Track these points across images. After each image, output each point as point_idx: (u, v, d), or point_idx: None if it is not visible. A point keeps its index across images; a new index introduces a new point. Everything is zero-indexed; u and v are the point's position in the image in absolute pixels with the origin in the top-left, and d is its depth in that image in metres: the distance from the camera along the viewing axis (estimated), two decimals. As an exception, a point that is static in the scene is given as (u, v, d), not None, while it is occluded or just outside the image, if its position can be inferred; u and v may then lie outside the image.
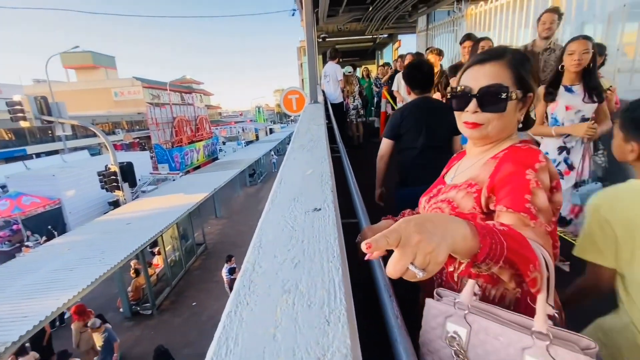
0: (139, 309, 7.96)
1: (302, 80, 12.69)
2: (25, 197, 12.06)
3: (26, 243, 10.92)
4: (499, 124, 0.81)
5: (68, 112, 10.42)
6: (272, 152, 23.16)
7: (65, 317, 7.51)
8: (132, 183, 10.10)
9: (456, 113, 0.89)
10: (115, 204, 10.99)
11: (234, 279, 6.77)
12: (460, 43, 3.18)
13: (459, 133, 2.03)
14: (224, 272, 7.58)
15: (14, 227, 12.19)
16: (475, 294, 0.67)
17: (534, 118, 0.93)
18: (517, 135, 0.88)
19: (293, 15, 8.25)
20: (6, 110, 9.51)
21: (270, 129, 49.66)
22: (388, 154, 2.14)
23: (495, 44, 5.01)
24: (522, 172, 0.72)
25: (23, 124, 9.35)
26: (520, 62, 0.81)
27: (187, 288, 9.06)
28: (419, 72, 2.10)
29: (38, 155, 25.23)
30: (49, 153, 25.65)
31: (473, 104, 0.81)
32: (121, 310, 7.79)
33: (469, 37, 3.15)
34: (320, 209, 0.86)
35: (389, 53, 12.17)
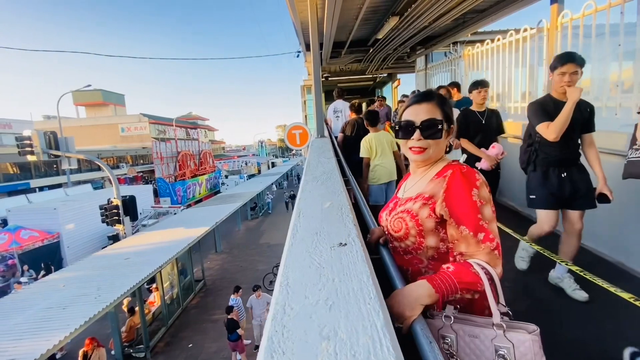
0: (131, 351, 7.49)
1: (305, 116, 13.08)
2: (24, 231, 11.90)
3: (20, 279, 10.57)
4: (437, 148, 1.06)
5: (75, 147, 10.62)
6: (268, 193, 22.98)
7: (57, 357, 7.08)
8: (134, 217, 10.01)
9: (401, 141, 1.12)
10: (115, 238, 10.80)
11: (231, 320, 6.41)
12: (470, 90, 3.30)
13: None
14: (231, 304, 7.26)
15: (9, 262, 11.88)
16: (455, 308, 0.84)
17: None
18: (447, 157, 1.12)
19: (298, 56, 8.73)
20: (14, 144, 9.69)
21: (272, 163, 50.33)
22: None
23: (492, 82, 5.26)
24: (468, 193, 0.93)
25: (30, 157, 9.47)
26: (444, 102, 1.08)
27: (184, 328, 8.60)
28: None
29: (41, 188, 25.35)
30: (52, 186, 25.78)
31: (417, 133, 1.04)
32: (112, 352, 7.33)
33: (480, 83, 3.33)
34: (345, 244, 0.81)
35: (389, 91, 12.66)
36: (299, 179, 38.79)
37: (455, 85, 4.80)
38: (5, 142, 27.21)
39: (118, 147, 39.97)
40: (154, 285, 8.89)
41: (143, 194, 16.19)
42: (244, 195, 17.39)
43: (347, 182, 2.02)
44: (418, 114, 1.06)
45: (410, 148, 1.09)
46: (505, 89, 5.13)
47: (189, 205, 19.33)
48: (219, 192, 25.72)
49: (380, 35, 6.09)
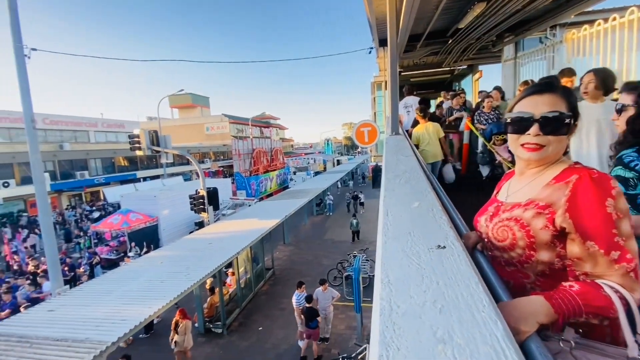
0: (211, 326, 8.41)
1: (375, 113, 12.86)
2: (133, 214, 14.25)
3: (129, 254, 12.70)
4: (557, 147, 0.93)
5: (171, 144, 12.28)
6: (329, 193, 22.01)
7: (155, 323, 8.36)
8: (216, 206, 11.17)
9: (511, 136, 0.99)
10: (200, 225, 12.20)
11: (310, 308, 6.72)
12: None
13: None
14: (294, 300, 7.60)
15: (121, 239, 14.39)
16: (576, 332, 0.73)
17: None
18: (565, 158, 0.97)
19: (370, 53, 8.63)
20: (126, 141, 11.63)
21: (338, 160, 50.85)
22: None
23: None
24: (601, 204, 0.79)
25: (138, 153, 11.25)
26: (570, 93, 0.95)
27: (255, 312, 9.31)
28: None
29: (144, 179, 29.98)
30: (152, 177, 30.32)
31: (535, 128, 0.92)
32: (196, 325, 8.32)
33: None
34: (444, 247, 0.78)
35: (468, 84, 11.64)
36: (364, 177, 38.27)
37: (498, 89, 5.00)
38: (120, 139, 32.88)
39: (203, 144, 44.97)
40: (231, 270, 9.80)
41: (223, 187, 17.93)
42: (310, 191, 17.95)
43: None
44: (537, 105, 0.93)
45: (522, 145, 0.96)
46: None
47: (261, 199, 20.75)
48: (287, 187, 27.04)
49: (462, 25, 5.64)
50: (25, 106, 7.22)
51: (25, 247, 14.86)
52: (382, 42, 6.95)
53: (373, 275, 10.68)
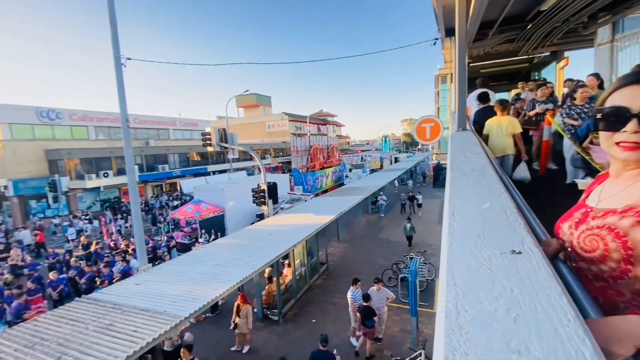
0: (268, 313, 8.91)
1: (438, 108, 12.16)
2: (203, 204, 15.74)
3: (199, 240, 14.08)
4: None
5: (237, 141, 13.22)
6: (381, 193, 20.65)
7: (220, 304, 9.17)
8: (275, 200, 11.74)
9: (604, 134, 0.87)
10: (261, 217, 12.98)
11: (367, 307, 6.72)
12: None
13: None
14: (350, 295, 7.66)
15: (193, 226, 16.01)
16: None
17: None
18: None
19: (434, 44, 8.15)
20: (199, 138, 12.81)
21: (396, 158, 49.31)
22: None
23: None
24: None
25: (209, 149, 12.33)
26: None
27: (309, 303, 9.59)
28: None
29: (214, 172, 32.81)
30: (220, 171, 33.03)
31: (634, 124, 0.80)
32: (255, 310, 8.89)
33: None
34: (520, 252, 0.71)
35: (551, 73, 10.27)
36: (424, 176, 36.38)
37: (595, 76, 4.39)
38: (194, 136, 36.47)
39: (265, 142, 47.46)
40: (287, 261, 10.24)
41: (282, 182, 18.75)
42: (365, 189, 17.75)
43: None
44: (637, 98, 0.80)
45: (617, 143, 0.84)
46: None
47: (317, 195, 21.19)
48: (342, 184, 27.15)
49: (545, 6, 5.00)
50: (122, 108, 8.45)
51: (119, 228, 17.48)
52: (449, 32, 6.51)
53: (431, 280, 10.17)
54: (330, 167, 26.96)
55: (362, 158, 45.11)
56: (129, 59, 8.52)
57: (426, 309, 8.78)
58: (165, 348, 6.67)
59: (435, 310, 8.64)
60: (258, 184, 11.56)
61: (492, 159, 2.31)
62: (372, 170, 37.33)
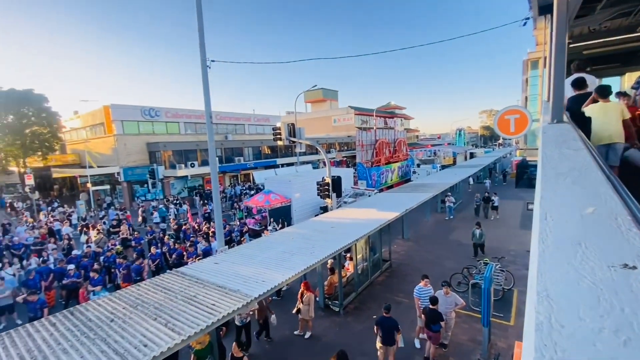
0: (330, 303, 9.13)
1: (526, 97, 10.71)
2: (273, 194, 16.76)
3: (268, 227, 15.06)
4: None
5: (305, 135, 13.68)
6: (449, 194, 18.69)
7: (284, 289, 9.73)
8: (339, 194, 11.88)
9: None
10: (325, 209, 13.29)
11: (434, 310, 6.44)
12: None
13: None
14: (416, 292, 7.43)
15: (263, 214, 17.19)
16: None
17: None
18: None
19: (525, 24, 7.14)
20: (270, 133, 13.56)
21: (471, 153, 45.26)
22: None
23: None
24: None
25: (279, 142, 13.02)
26: None
27: (370, 299, 9.54)
28: None
29: (282, 165, 34.58)
30: (288, 164, 34.65)
31: None
32: (317, 299, 9.19)
33: None
34: (635, 267, 0.60)
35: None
36: (504, 175, 32.55)
37: None
38: (265, 131, 38.87)
39: (330, 136, 48.12)
40: (349, 255, 10.30)
41: (346, 176, 18.85)
42: (435, 186, 16.73)
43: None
44: None
45: None
46: None
47: (381, 190, 20.74)
48: (409, 180, 26.04)
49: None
50: (207, 106, 9.43)
51: (203, 212, 19.71)
52: (544, 9, 5.66)
53: (508, 290, 9.21)
54: (397, 161, 26.07)
55: (432, 153, 42.43)
56: (213, 61, 9.44)
57: (501, 321, 7.99)
58: (236, 322, 7.36)
59: (512, 323, 7.77)
60: (323, 177, 11.82)
61: (596, 156, 1.95)
62: (444, 167, 34.94)
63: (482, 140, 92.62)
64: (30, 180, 24.87)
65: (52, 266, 10.61)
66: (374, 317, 8.56)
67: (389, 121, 55.23)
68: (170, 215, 19.95)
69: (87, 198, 26.00)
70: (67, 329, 4.35)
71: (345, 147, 47.60)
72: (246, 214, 19.50)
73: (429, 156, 41.44)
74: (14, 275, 10.10)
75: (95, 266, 9.94)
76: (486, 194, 18.76)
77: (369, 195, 16.87)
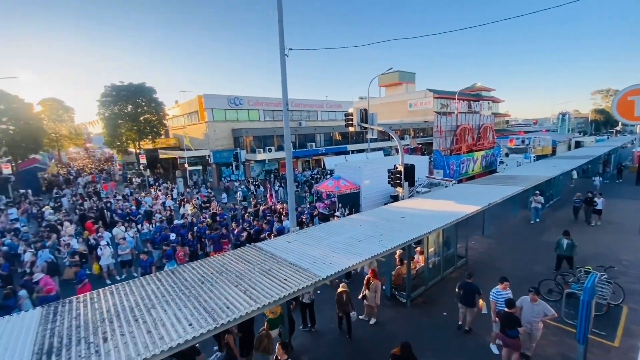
0: (396, 293, 8.98)
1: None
2: (342, 180, 16.96)
3: (336, 213, 15.36)
4: None
5: (377, 121, 13.33)
6: (537, 193, 15.17)
7: (353, 273, 9.92)
8: (411, 183, 11.38)
9: None
10: (395, 198, 12.91)
11: (509, 314, 5.86)
12: None
13: None
14: (492, 295, 6.81)
15: (333, 199, 17.57)
16: None
17: None
18: None
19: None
20: (342, 119, 13.57)
21: (577, 142, 38.26)
22: None
23: None
24: None
25: (350, 129, 12.97)
26: None
27: (441, 295, 9.07)
28: None
29: (352, 152, 34.55)
30: (359, 151, 34.45)
31: None
32: (383, 287, 9.12)
33: None
34: None
35: None
36: (620, 171, 24.82)
37: None
38: (337, 117, 39.12)
39: (404, 121, 45.96)
40: (420, 247, 9.88)
41: (420, 164, 17.89)
42: (525, 179, 14.70)
43: None
44: None
45: None
46: None
47: (460, 181, 19.16)
48: (495, 171, 23.44)
49: None
50: (284, 94, 9.90)
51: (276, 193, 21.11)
52: None
53: (616, 305, 7.76)
54: (481, 150, 23.64)
55: (525, 141, 37.05)
56: (291, 49, 9.78)
57: (602, 340, 6.80)
58: (303, 300, 7.81)
59: (617, 344, 6.61)
60: (395, 165, 11.43)
61: None
62: (539, 157, 30.38)
63: (592, 127, 77.31)
64: (143, 160, 29.99)
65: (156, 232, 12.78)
66: (444, 313, 8.15)
67: (473, 105, 50.02)
68: (252, 194, 21.94)
69: (184, 176, 30.20)
70: (169, 285, 5.22)
71: (421, 134, 44.97)
72: (316, 198, 20.21)
73: (521, 144, 36.24)
74: (132, 237, 12.44)
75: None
76: (589, 194, 15.00)
77: (446, 186, 15.76)
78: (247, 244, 7.98)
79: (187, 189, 26.49)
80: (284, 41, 9.67)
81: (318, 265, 5.80)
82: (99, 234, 12.55)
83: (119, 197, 21.51)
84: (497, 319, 6.49)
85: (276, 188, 22.88)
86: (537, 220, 15.35)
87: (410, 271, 8.73)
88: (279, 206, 16.63)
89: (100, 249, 10.92)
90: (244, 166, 29.87)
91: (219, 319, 4.08)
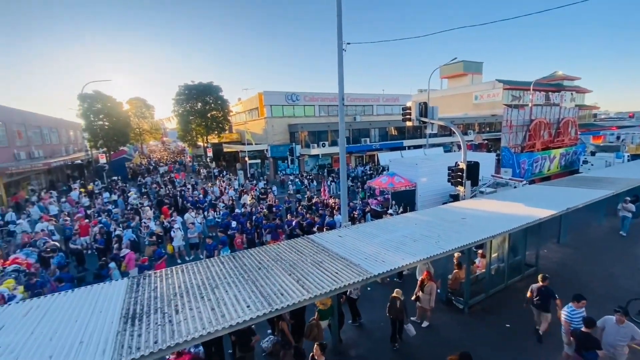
0: (453, 298, 8.49)
1: None
2: (397, 177, 16.45)
3: (389, 210, 14.99)
4: None
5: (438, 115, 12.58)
6: (627, 200, 12.73)
7: (405, 273, 9.66)
8: (474, 182, 10.56)
9: None
10: (455, 198, 12.13)
11: (587, 334, 5.19)
12: None
13: None
14: (565, 312, 6.06)
15: (386, 196, 17.16)
16: None
17: None
18: None
19: None
20: (398, 113, 13.08)
21: (692, 140, 31.45)
22: None
23: None
24: None
25: (408, 123, 12.46)
26: None
27: (503, 305, 8.33)
28: None
29: (409, 147, 33.24)
30: (416, 147, 33.01)
31: None
32: (438, 291, 8.67)
33: None
34: None
35: None
36: None
37: None
38: (394, 111, 37.88)
39: (469, 115, 42.68)
40: (481, 251, 9.16)
41: (485, 162, 16.48)
42: (615, 181, 12.62)
43: None
44: None
45: None
46: None
47: (532, 181, 17.22)
48: (576, 171, 20.55)
49: None
50: (340, 89, 9.91)
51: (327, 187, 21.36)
52: None
53: None
54: (559, 147, 20.92)
55: (620, 137, 31.57)
56: (348, 43, 9.73)
57: None
58: (351, 295, 7.81)
59: None
60: (456, 162, 10.72)
61: None
62: (634, 156, 25.78)
63: None
64: (210, 153, 32.71)
65: (219, 220, 13.92)
66: (507, 325, 7.49)
67: (552, 96, 44.28)
68: (306, 188, 22.55)
69: (243, 169, 32.20)
70: (231, 268, 5.66)
71: (487, 129, 41.33)
72: (369, 194, 19.93)
73: (615, 141, 30.98)
74: (200, 223, 13.72)
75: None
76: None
77: (515, 187, 14.30)
78: (300, 236, 8.25)
79: (247, 181, 28.24)
80: (342, 36, 9.65)
81: (369, 262, 5.76)
82: (173, 218, 14.10)
83: (189, 186, 23.81)
84: (571, 338, 5.76)
85: (328, 182, 23.13)
86: (626, 231, 13.04)
87: (469, 276, 8.17)
88: (331, 201, 16.81)
89: (174, 232, 12.27)
90: (299, 160, 30.74)
91: (273, 304, 4.32)
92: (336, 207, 15.09)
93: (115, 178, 29.10)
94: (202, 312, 4.23)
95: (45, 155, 25.57)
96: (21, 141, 22.92)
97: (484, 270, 8.85)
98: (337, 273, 5.28)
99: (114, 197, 20.47)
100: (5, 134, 20.79)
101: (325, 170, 31.00)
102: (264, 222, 13.36)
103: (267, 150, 31.07)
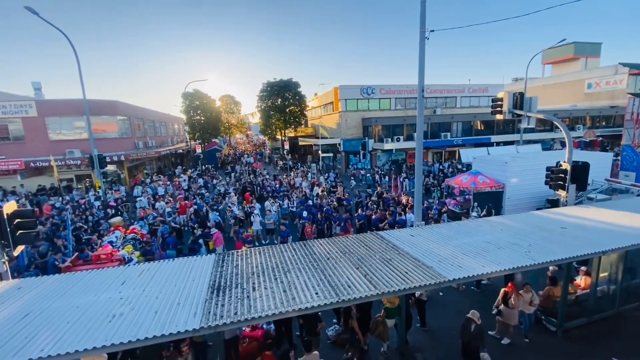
0: (543, 318, 7.40)
1: None
2: (481, 176, 14.91)
3: (471, 212, 13.71)
4: None
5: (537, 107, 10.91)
6: None
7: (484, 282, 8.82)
8: (581, 186, 8.92)
9: None
10: (554, 203, 10.43)
11: None
12: None
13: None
14: None
15: (467, 196, 15.72)
16: None
17: None
18: None
19: None
20: (486, 105, 11.72)
21: None
22: None
23: None
24: None
25: (498, 116, 11.10)
26: None
27: (611, 334, 6.94)
28: None
29: (498, 143, 29.72)
30: (506, 143, 29.34)
31: None
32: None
33: None
34: None
35: None
36: None
37: None
38: (481, 103, 34.21)
39: (577, 107, 36.04)
40: (584, 268, 7.74)
41: (598, 163, 13.72)
42: None
43: None
44: None
45: None
46: None
47: (667, 189, 13.69)
48: None
49: None
50: (420, 80, 9.38)
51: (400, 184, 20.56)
52: None
53: None
54: None
55: None
56: (432, 31, 9.11)
57: None
58: (422, 297, 7.44)
59: None
60: (558, 162, 9.19)
61: None
62: None
63: None
64: (287, 146, 34.65)
65: (293, 209, 14.71)
66: (613, 359, 6.21)
67: None
68: (377, 183, 22.20)
69: (316, 162, 33.19)
70: (302, 255, 5.95)
71: (603, 123, 34.27)
72: (446, 193, 18.54)
73: None
74: (275, 211, 14.72)
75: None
76: None
77: (638, 195, 11.62)
78: (369, 231, 8.18)
79: (319, 173, 29.10)
80: (425, 23, 9.08)
81: (444, 265, 5.39)
82: (253, 204, 15.44)
83: (268, 177, 25.69)
84: None
85: (402, 179, 22.26)
86: None
87: (567, 295, 6.99)
88: (403, 198, 16.18)
89: (253, 217, 13.45)
90: (371, 155, 30.28)
91: (341, 295, 4.40)
92: (409, 205, 14.47)
93: (209, 166, 33.14)
94: (275, 292, 4.56)
95: (156, 144, 30.54)
96: (140, 133, 27.76)
97: (587, 290, 7.47)
98: (406, 273, 5.09)
99: (206, 182, 23.39)
100: (129, 127, 25.47)
101: (399, 165, 29.90)
102: (333, 214, 13.62)
103: (339, 144, 31.41)
